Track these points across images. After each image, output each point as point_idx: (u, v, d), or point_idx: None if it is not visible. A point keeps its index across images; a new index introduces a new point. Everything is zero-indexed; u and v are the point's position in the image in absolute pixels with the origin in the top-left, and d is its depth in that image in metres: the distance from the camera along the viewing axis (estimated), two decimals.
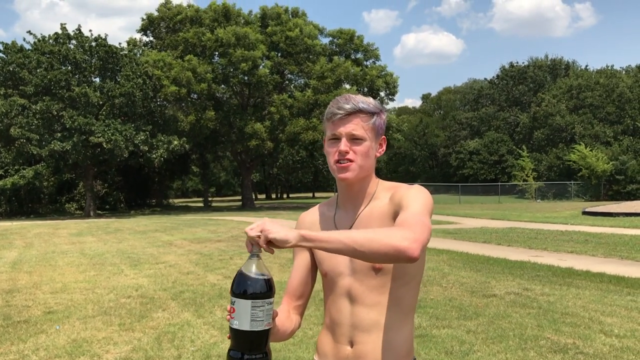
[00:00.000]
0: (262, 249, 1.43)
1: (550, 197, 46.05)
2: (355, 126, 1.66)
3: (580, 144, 45.94)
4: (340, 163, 1.67)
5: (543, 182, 48.94)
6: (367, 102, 1.69)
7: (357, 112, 1.67)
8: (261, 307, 1.40)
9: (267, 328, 1.43)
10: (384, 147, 1.76)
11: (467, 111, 71.91)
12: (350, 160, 1.66)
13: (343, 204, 1.77)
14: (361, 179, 1.71)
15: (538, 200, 44.56)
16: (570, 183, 46.21)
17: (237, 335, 1.42)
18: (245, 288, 1.41)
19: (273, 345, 5.45)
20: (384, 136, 1.75)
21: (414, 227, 1.46)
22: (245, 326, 1.40)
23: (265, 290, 1.41)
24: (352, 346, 1.68)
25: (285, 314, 1.74)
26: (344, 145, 1.66)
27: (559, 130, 53.87)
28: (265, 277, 1.43)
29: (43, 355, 5.19)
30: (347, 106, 1.67)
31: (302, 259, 1.83)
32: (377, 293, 1.65)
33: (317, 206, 1.88)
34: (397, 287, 1.65)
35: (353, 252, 1.41)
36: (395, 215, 1.61)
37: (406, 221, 1.50)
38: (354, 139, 1.67)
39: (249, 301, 1.39)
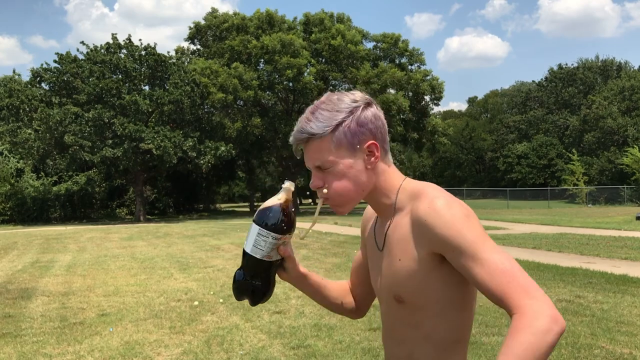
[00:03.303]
0: (293, 185, 1.42)
1: (602, 202, 44.75)
2: (315, 154, 1.35)
3: (633, 147, 44.47)
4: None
5: (594, 187, 47.55)
6: (320, 117, 1.33)
7: (309, 138, 1.34)
8: (264, 238, 1.39)
9: (266, 260, 1.42)
10: (378, 154, 1.35)
11: (515, 114, 70.53)
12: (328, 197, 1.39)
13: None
14: (367, 198, 1.42)
15: (589, 205, 43.33)
16: (623, 187, 44.80)
17: (243, 254, 1.46)
18: (257, 213, 1.43)
19: (320, 350, 5.41)
20: (372, 141, 1.34)
21: (520, 291, 1.12)
22: (247, 248, 1.43)
23: (273, 223, 1.39)
24: None
25: (342, 285, 1.66)
26: (313, 179, 1.38)
27: (611, 133, 52.26)
28: (279, 214, 1.40)
29: (98, 356, 5.35)
30: (296, 135, 1.37)
31: (361, 256, 1.66)
32: (405, 326, 1.37)
33: None
34: (425, 319, 1.33)
35: None
36: (430, 257, 1.28)
37: (500, 284, 1.14)
38: (321, 169, 1.36)
39: (257, 228, 1.40)
